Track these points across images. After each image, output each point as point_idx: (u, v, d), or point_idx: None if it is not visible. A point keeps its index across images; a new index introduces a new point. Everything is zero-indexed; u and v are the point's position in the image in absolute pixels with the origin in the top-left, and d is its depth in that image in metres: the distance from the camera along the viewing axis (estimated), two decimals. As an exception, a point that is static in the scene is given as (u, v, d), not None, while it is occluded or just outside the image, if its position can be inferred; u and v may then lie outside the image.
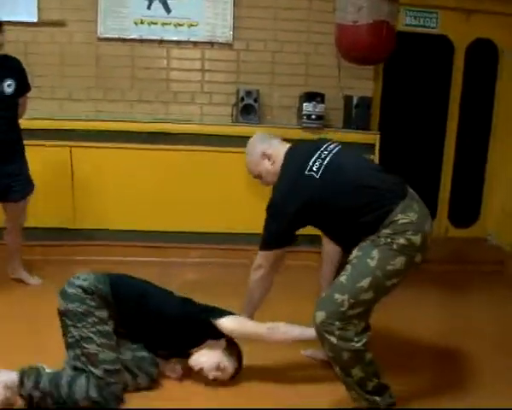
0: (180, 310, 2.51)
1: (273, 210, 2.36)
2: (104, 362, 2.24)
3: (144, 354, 2.44)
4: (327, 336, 2.20)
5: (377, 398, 2.27)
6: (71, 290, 2.33)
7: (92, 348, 2.24)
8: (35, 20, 4.22)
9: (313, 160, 2.31)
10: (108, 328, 2.33)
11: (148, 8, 4.36)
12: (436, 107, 4.96)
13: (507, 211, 4.69)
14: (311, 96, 4.27)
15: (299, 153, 2.42)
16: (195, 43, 4.44)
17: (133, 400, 2.31)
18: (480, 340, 3.18)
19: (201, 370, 2.46)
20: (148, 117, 4.38)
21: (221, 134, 4.24)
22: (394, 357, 2.79)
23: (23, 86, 3.31)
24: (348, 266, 2.23)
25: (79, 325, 2.27)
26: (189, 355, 2.51)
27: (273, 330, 2.46)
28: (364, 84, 4.54)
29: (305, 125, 4.26)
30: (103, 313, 2.33)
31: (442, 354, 3.02)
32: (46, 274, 3.74)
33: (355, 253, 2.23)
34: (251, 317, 2.55)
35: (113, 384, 2.24)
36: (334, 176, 2.28)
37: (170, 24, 4.40)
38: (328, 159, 2.31)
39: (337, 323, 2.19)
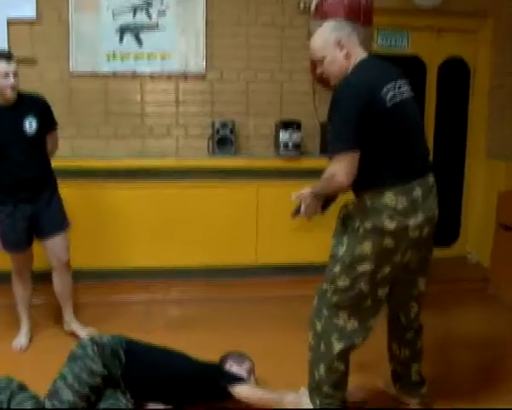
0: (197, 372, 2.56)
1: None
2: (58, 399, 2.23)
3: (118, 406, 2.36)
4: (316, 321, 2.32)
5: (319, 401, 2.35)
6: (84, 339, 2.47)
7: (60, 384, 2.27)
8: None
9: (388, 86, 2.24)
10: (89, 379, 2.29)
11: (120, 41, 4.33)
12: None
13: (485, 228, 4.72)
14: (287, 125, 4.27)
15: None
16: (169, 76, 4.42)
17: None
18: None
19: None
20: (124, 153, 4.34)
21: (198, 168, 4.22)
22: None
23: (47, 123, 3.24)
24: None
25: (69, 363, 2.34)
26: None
27: (282, 397, 2.55)
28: (340, 109, 4.53)
29: (282, 154, 4.26)
30: (94, 366, 2.32)
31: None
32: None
33: (332, 241, 2.32)
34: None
35: None
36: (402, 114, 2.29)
37: (142, 56, 4.37)
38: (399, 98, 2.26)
39: (325, 311, 2.27)
